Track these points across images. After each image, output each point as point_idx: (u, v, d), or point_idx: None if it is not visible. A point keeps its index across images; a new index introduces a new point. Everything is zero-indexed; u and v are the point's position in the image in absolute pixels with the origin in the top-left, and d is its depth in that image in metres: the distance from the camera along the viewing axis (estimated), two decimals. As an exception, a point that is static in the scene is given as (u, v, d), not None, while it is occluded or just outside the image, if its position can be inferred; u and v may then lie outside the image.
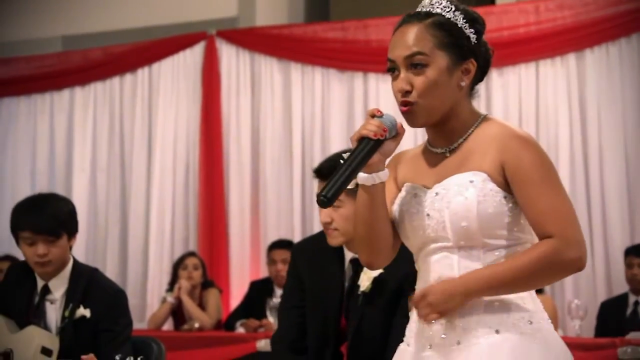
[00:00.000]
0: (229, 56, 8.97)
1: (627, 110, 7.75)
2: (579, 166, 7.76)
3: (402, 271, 3.71)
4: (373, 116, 2.56)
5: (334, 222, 3.89)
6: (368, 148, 2.52)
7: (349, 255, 4.02)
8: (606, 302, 7.34)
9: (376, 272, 3.86)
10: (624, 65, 7.80)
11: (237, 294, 8.44)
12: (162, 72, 9.18)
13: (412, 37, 2.59)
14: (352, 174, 2.51)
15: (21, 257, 4.23)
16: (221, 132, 8.86)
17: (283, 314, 4.18)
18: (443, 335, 2.56)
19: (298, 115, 8.66)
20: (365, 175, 2.58)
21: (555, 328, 7.16)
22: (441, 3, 2.63)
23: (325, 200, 2.46)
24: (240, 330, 7.19)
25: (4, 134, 9.72)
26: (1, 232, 9.33)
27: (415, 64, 2.57)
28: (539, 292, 6.99)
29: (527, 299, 2.57)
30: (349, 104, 8.50)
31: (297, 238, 8.01)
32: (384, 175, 2.59)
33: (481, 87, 2.74)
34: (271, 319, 6.61)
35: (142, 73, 9.27)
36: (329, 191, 2.47)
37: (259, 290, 7.58)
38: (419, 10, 2.65)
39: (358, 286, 3.93)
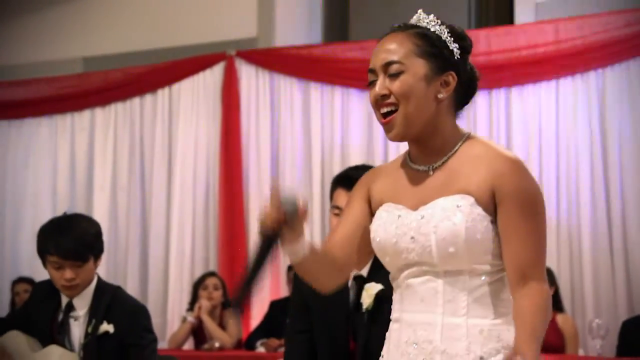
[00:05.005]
0: (249, 76, 9.00)
1: (648, 128, 7.74)
2: (599, 184, 7.73)
3: None
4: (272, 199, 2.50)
5: None
6: (272, 246, 2.49)
7: (352, 272, 3.98)
8: (628, 321, 7.28)
9: (377, 289, 3.83)
10: (645, 84, 7.78)
11: (257, 313, 8.42)
12: (182, 92, 9.21)
13: (392, 45, 2.58)
14: (262, 275, 2.49)
15: (39, 279, 4.25)
16: (241, 152, 8.88)
17: (291, 339, 4.14)
18: (423, 359, 2.51)
19: (317, 135, 8.67)
20: (291, 253, 2.55)
21: (577, 348, 7.11)
22: (427, 18, 2.62)
23: (238, 309, 2.56)
24: (260, 349, 7.20)
25: (25, 154, 9.78)
26: (21, 254, 9.44)
27: (392, 72, 2.55)
28: (559, 310, 6.98)
29: (511, 324, 2.50)
30: (368, 123, 8.50)
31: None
32: (301, 249, 2.54)
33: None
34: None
35: (162, 93, 9.31)
36: (240, 301, 2.49)
37: (279, 310, 7.57)
38: (405, 23, 2.65)
39: (362, 304, 3.90)
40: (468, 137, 2.62)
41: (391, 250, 2.58)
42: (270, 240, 2.48)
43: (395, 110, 2.55)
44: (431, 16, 2.63)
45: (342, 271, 2.71)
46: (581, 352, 7.08)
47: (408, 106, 2.53)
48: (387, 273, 3.62)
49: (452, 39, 2.60)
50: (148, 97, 9.40)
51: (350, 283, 3.96)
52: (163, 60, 9.32)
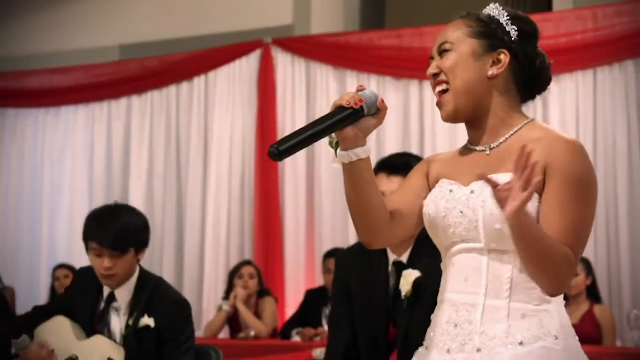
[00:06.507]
0: (285, 64, 8.99)
1: (687, 117, 7.66)
2: (637, 173, 7.67)
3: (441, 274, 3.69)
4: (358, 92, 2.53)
5: None
6: (340, 116, 2.44)
7: (392, 257, 3.96)
8: (666, 312, 7.24)
9: (415, 276, 3.81)
10: (683, 72, 7.70)
11: (293, 302, 8.44)
12: (219, 80, 9.23)
13: (449, 30, 2.64)
14: (315, 136, 2.43)
15: (77, 265, 4.25)
16: (276, 140, 8.85)
17: (333, 324, 4.14)
18: (463, 341, 2.48)
19: (353, 123, 8.63)
20: (342, 152, 2.53)
21: (614, 339, 7.03)
22: (493, 6, 2.68)
23: (276, 153, 2.38)
24: (296, 339, 7.20)
25: (62, 142, 9.85)
26: (58, 240, 9.51)
27: (442, 50, 2.61)
28: (597, 301, 6.92)
29: (554, 312, 2.47)
30: (404, 111, 8.47)
31: (352, 246, 7.99)
32: (362, 152, 2.53)
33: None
34: (327, 328, 6.59)
35: (199, 81, 9.33)
36: (282, 144, 2.40)
37: (315, 299, 7.57)
38: (469, 12, 2.70)
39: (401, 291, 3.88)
40: (531, 122, 2.63)
41: (440, 225, 2.57)
42: (342, 109, 2.46)
43: (448, 90, 2.59)
44: (496, 4, 2.68)
45: (390, 227, 2.64)
46: (619, 344, 7.03)
47: (456, 81, 2.57)
48: (427, 259, 3.61)
49: (510, 21, 2.63)
50: (184, 85, 9.42)
51: (390, 269, 3.95)
52: (199, 48, 9.33)
